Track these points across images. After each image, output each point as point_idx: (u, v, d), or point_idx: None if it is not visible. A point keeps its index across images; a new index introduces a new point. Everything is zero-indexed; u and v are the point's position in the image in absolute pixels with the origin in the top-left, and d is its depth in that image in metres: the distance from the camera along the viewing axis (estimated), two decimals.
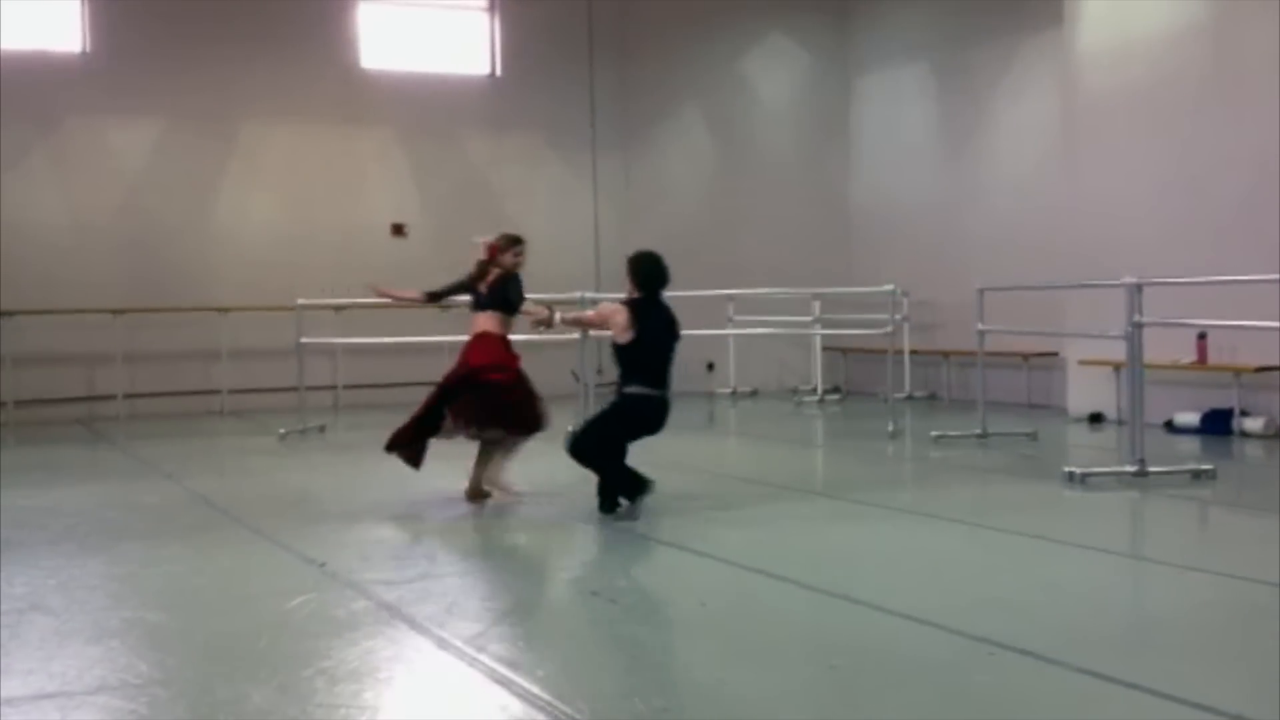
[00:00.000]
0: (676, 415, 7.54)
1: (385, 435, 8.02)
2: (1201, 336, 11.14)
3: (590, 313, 8.31)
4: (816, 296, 15.17)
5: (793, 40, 17.24)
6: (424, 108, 16.00)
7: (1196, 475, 8.46)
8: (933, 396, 15.32)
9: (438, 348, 13.94)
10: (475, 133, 16.34)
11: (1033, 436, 10.93)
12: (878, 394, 14.28)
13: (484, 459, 7.94)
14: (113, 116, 14.78)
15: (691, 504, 7.55)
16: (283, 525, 7.30)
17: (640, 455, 7.49)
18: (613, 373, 7.70)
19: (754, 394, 15.98)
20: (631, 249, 8.09)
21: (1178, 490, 8.16)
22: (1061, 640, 4.66)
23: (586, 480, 7.43)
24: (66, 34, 14.67)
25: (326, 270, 15.03)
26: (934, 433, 11.00)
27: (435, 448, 7.98)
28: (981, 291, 10.85)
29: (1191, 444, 10.56)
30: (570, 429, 8.25)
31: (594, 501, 7.39)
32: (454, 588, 5.79)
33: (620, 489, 7.36)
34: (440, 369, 8.25)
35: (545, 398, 8.00)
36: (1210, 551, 6.73)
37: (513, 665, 4.46)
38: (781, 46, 17.21)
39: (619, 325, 7.40)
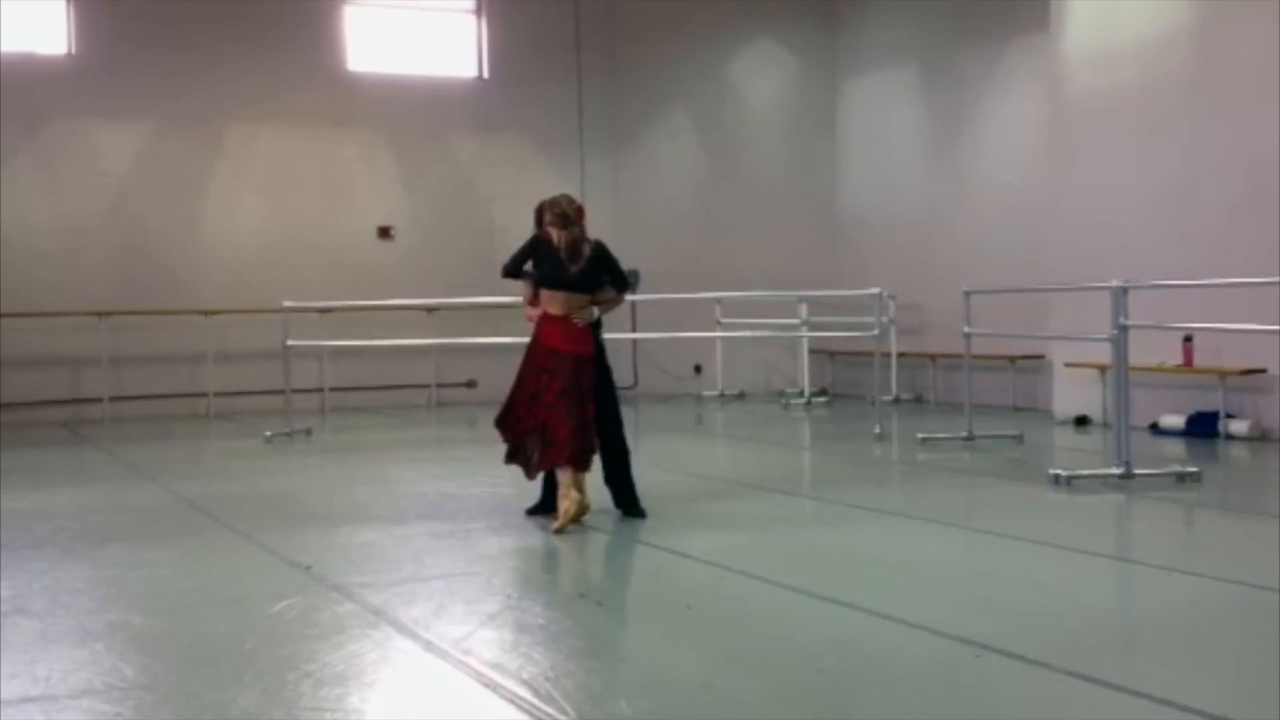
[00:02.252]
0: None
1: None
2: (1187, 339, 11.18)
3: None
4: (804, 299, 15.19)
5: (780, 44, 17.27)
6: (411, 110, 15.97)
7: (1181, 478, 8.48)
8: (919, 399, 15.35)
9: (424, 351, 13.96)
10: (462, 135, 16.31)
11: (1019, 439, 10.95)
12: (864, 397, 14.30)
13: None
14: (98, 119, 14.72)
15: (678, 506, 7.55)
16: (269, 528, 7.28)
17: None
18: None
19: (741, 396, 15.98)
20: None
21: (1163, 493, 8.18)
22: (1048, 642, 4.67)
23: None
24: (52, 36, 14.62)
25: (313, 273, 15.04)
26: (920, 435, 11.02)
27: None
28: (968, 294, 10.86)
29: (1177, 446, 10.59)
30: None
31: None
32: (440, 590, 5.78)
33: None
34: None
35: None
36: (1195, 554, 6.75)
37: (499, 668, 4.46)
38: (769, 50, 17.24)
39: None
